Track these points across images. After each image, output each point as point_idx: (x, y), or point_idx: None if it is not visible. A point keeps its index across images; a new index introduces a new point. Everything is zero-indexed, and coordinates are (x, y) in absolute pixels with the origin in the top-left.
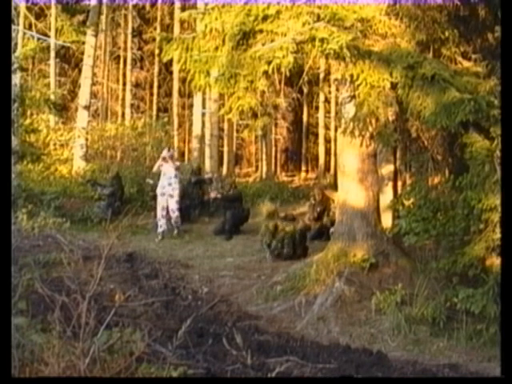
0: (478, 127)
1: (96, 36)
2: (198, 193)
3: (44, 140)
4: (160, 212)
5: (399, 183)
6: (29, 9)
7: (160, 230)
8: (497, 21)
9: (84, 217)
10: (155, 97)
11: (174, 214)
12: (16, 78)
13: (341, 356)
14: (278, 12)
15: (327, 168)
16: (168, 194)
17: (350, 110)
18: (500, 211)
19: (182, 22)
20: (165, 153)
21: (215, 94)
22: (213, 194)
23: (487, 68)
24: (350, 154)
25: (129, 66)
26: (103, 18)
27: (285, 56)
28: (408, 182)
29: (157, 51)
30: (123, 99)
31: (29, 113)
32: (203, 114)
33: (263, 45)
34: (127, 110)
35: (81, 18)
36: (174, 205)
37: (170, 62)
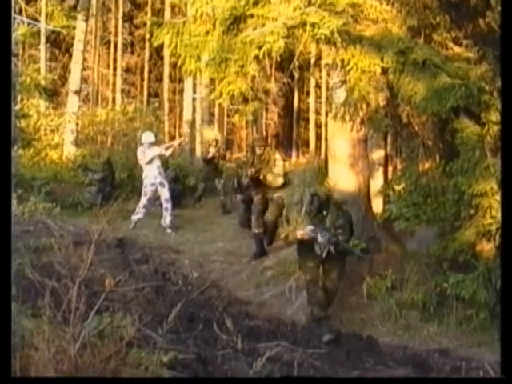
0: (468, 113)
1: (86, 21)
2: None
3: (34, 125)
4: (145, 202)
5: (390, 168)
6: None
7: (136, 217)
8: (488, 6)
9: (75, 202)
10: (146, 82)
11: (168, 205)
12: None
13: (331, 341)
14: None
15: (318, 153)
16: (159, 183)
17: (340, 95)
18: (490, 196)
19: (172, 7)
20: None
21: (206, 78)
22: (239, 198)
23: (478, 54)
24: (341, 139)
25: (119, 51)
26: (94, 2)
27: (276, 41)
28: (399, 167)
29: (147, 36)
30: (114, 84)
31: (19, 98)
32: (194, 99)
33: (254, 29)
34: (118, 95)
35: (71, 2)
36: (167, 194)
37: (161, 46)
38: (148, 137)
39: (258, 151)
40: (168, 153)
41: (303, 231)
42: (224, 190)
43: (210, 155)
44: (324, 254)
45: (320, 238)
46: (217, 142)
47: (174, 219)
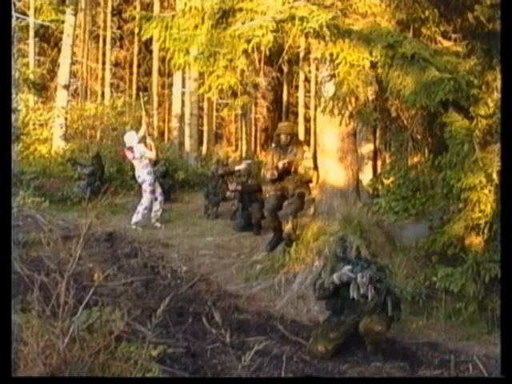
0: (457, 107)
1: (75, 15)
2: (222, 187)
3: (23, 120)
4: (152, 199)
5: (379, 162)
6: None
7: (143, 219)
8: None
9: (64, 196)
10: (135, 76)
11: (162, 198)
12: None
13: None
14: None
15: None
16: (155, 179)
17: (329, 88)
18: (478, 190)
19: (161, 1)
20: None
21: (195, 72)
22: (232, 187)
23: (467, 48)
24: (330, 133)
25: (108, 45)
26: None
27: (264, 35)
28: (387, 161)
29: (136, 30)
30: (103, 78)
31: None
32: (183, 93)
33: (243, 23)
34: (107, 90)
35: None
36: (160, 188)
37: (150, 41)
38: (132, 137)
39: (284, 139)
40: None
41: (340, 273)
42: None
43: (220, 172)
44: (369, 298)
45: (360, 278)
46: (243, 170)
47: (163, 213)
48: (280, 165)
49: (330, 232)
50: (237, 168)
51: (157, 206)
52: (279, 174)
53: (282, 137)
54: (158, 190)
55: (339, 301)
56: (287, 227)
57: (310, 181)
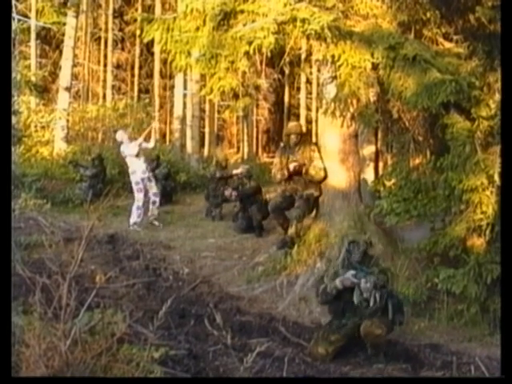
0: (459, 108)
1: (77, 17)
2: (222, 189)
3: (25, 122)
4: (144, 198)
5: (380, 164)
6: None
7: (139, 219)
8: (478, 1)
9: (65, 198)
10: (136, 78)
11: (157, 199)
12: None
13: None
14: None
15: None
16: (147, 178)
17: (331, 90)
18: (480, 192)
19: (163, 3)
20: (125, 135)
21: (196, 74)
22: (227, 192)
23: (468, 49)
24: (332, 135)
25: (110, 47)
26: None
27: (266, 36)
28: (389, 162)
29: (138, 32)
30: (104, 80)
31: None
32: (184, 95)
33: (244, 25)
34: (108, 92)
35: None
36: (155, 188)
37: (152, 43)
38: (120, 135)
39: (294, 139)
40: (150, 145)
41: (343, 278)
42: (209, 195)
43: (218, 175)
44: (371, 303)
45: (363, 284)
46: (241, 174)
47: (165, 215)
48: (291, 167)
49: (335, 233)
50: (234, 172)
51: (151, 207)
52: (290, 176)
53: (292, 137)
54: (152, 191)
55: (341, 304)
56: (290, 231)
57: (321, 181)
